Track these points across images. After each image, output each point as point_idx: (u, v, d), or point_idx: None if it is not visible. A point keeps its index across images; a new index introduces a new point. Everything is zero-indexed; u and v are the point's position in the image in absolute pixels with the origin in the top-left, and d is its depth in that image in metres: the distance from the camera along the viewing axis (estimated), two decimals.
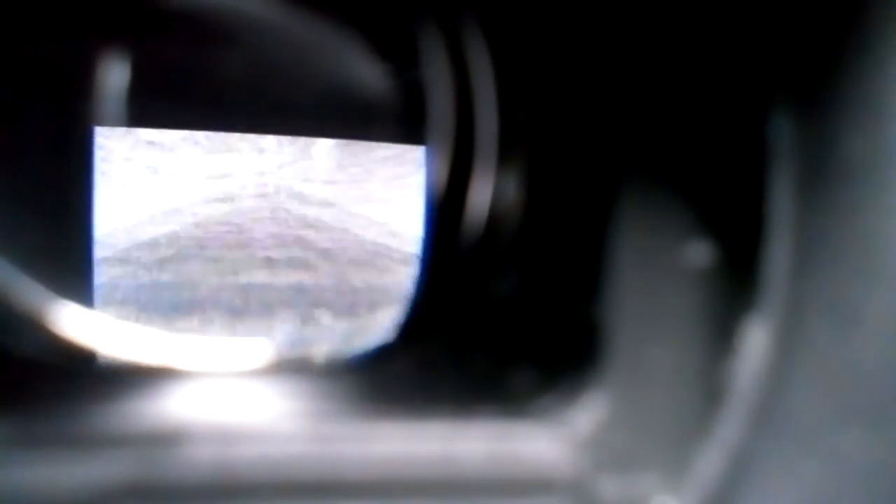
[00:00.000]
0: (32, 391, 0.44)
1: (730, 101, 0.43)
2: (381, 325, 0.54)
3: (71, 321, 0.52)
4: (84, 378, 0.47)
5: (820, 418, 0.40)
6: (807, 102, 0.41)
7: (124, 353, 0.51)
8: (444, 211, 0.53)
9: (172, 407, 0.45)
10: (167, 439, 0.42)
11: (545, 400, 0.46)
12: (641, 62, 0.44)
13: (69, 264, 0.65)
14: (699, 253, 0.44)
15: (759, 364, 0.42)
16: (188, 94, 0.67)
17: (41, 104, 0.62)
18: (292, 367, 0.52)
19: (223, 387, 0.48)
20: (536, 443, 0.45)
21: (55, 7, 0.60)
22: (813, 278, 0.41)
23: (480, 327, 0.51)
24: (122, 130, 0.70)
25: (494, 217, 0.52)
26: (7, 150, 0.60)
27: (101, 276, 0.68)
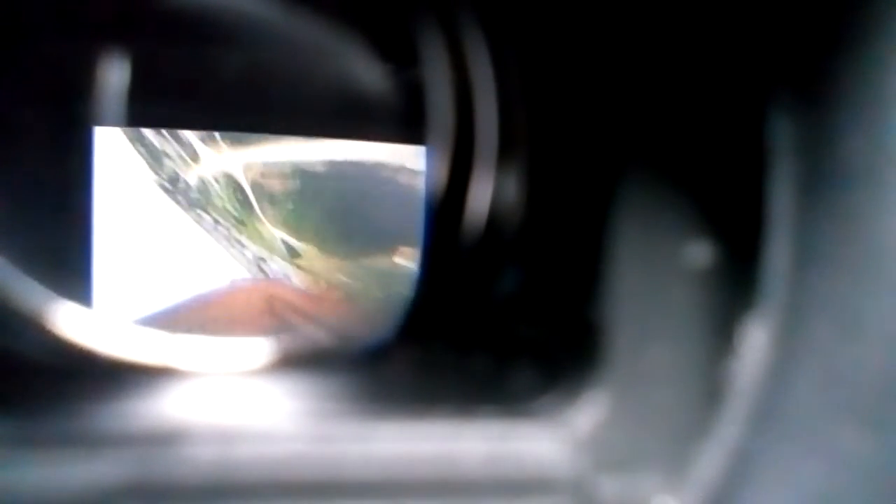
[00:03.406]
0: (32, 391, 0.44)
1: (729, 100, 0.43)
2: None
3: (71, 321, 0.52)
4: (84, 378, 0.47)
5: (820, 418, 0.40)
6: (806, 101, 0.40)
7: (124, 353, 0.51)
8: (444, 211, 0.53)
9: (172, 407, 0.45)
10: (167, 439, 0.42)
11: (545, 400, 0.46)
12: (641, 61, 0.44)
13: (69, 264, 0.65)
14: (699, 253, 0.44)
15: (759, 364, 0.42)
16: (188, 94, 0.67)
17: (41, 104, 0.62)
18: (292, 367, 0.52)
19: (223, 387, 0.48)
20: (536, 443, 0.45)
21: (55, 7, 0.60)
22: (813, 278, 0.41)
23: (480, 327, 0.51)
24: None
25: (494, 216, 0.52)
26: (7, 149, 0.60)
27: None
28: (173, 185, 0.75)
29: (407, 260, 0.75)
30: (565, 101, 0.48)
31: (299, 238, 0.79)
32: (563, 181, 0.49)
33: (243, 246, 0.78)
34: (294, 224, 0.79)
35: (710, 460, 0.43)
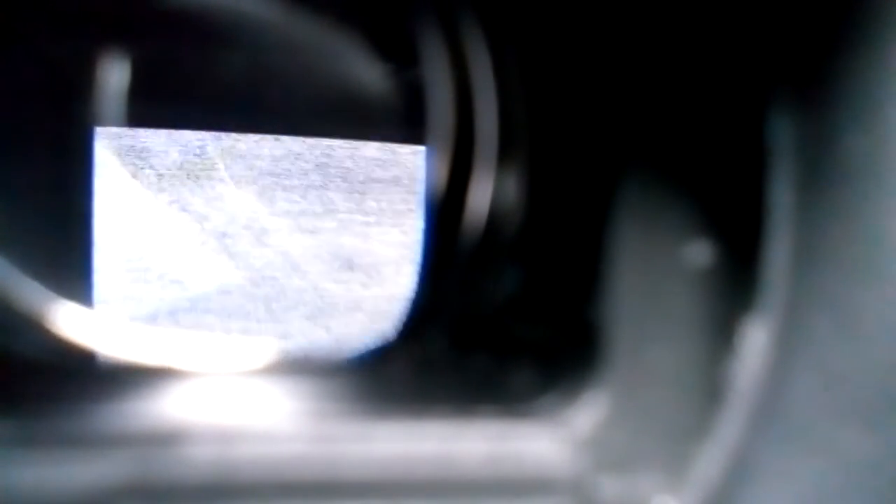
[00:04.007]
0: (32, 391, 0.44)
1: (730, 99, 0.43)
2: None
3: (71, 321, 0.52)
4: (84, 378, 0.47)
5: (820, 418, 0.40)
6: (806, 101, 0.41)
7: (124, 353, 0.51)
8: (443, 211, 0.53)
9: (172, 407, 0.45)
10: (167, 439, 0.42)
11: (545, 400, 0.46)
12: (641, 61, 0.44)
13: (69, 264, 0.65)
14: (699, 253, 0.44)
15: (759, 364, 0.42)
16: (188, 94, 0.67)
17: (41, 104, 0.62)
18: (292, 367, 0.52)
19: (223, 387, 0.48)
20: (536, 443, 0.45)
21: (56, 7, 0.60)
22: (813, 278, 0.41)
23: (480, 327, 0.51)
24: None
25: (494, 217, 0.52)
26: (7, 150, 0.60)
27: None
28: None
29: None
30: (565, 101, 0.48)
31: (273, 210, 0.71)
32: (563, 181, 0.49)
33: (204, 217, 0.70)
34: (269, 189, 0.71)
35: (710, 460, 0.43)
